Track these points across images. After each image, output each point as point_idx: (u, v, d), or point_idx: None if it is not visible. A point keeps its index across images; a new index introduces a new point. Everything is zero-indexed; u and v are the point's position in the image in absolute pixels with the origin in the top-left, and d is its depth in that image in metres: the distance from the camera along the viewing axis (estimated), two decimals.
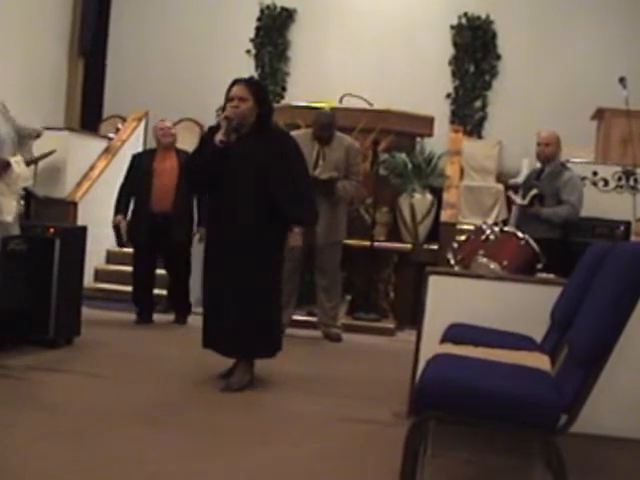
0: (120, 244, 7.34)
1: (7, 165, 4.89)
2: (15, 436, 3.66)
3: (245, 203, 4.82)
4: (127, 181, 7.19)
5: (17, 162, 4.91)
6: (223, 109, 4.98)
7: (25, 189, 6.66)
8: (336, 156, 6.73)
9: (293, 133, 6.96)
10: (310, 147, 6.69)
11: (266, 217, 4.83)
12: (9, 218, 4.97)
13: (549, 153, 6.50)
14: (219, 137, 4.77)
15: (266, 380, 5.09)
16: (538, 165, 6.78)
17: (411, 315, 6.05)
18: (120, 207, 7.15)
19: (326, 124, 6.77)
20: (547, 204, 6.36)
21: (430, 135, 8.60)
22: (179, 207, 6.97)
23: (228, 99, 4.90)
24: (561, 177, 6.43)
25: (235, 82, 4.94)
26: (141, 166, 7.13)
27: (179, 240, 7.03)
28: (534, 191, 6.41)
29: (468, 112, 10.60)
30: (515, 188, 6.87)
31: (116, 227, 7.12)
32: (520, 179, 8.01)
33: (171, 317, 7.34)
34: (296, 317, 7.10)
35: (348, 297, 7.58)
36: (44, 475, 3.19)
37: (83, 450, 3.53)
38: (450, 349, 3.32)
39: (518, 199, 6.54)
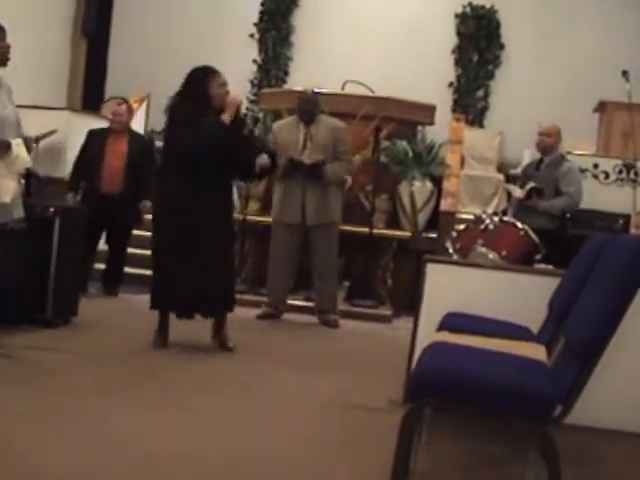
0: None
1: (7, 146, 4.89)
2: (9, 415, 3.66)
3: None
4: (80, 159, 7.40)
5: (18, 144, 4.90)
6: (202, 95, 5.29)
7: (26, 168, 6.66)
8: (323, 137, 6.75)
9: (278, 122, 7.07)
10: (297, 131, 6.79)
11: None
12: (6, 199, 4.96)
13: (549, 144, 6.52)
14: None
15: (261, 365, 5.11)
16: (538, 156, 6.79)
17: (408, 303, 6.04)
18: (72, 185, 7.38)
19: (305, 103, 6.82)
20: (546, 195, 6.36)
21: (431, 123, 8.60)
22: (128, 190, 7.17)
23: (221, 84, 5.31)
24: (560, 168, 6.44)
25: (216, 71, 5.36)
26: (94, 145, 7.33)
27: (127, 222, 7.32)
28: (531, 184, 6.41)
29: (470, 101, 10.60)
30: (514, 179, 6.86)
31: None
32: (520, 169, 8.01)
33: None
34: (294, 302, 7.14)
35: (346, 283, 7.58)
36: (33, 453, 3.20)
37: (79, 428, 3.54)
38: (447, 337, 3.32)
39: (517, 192, 6.54)
